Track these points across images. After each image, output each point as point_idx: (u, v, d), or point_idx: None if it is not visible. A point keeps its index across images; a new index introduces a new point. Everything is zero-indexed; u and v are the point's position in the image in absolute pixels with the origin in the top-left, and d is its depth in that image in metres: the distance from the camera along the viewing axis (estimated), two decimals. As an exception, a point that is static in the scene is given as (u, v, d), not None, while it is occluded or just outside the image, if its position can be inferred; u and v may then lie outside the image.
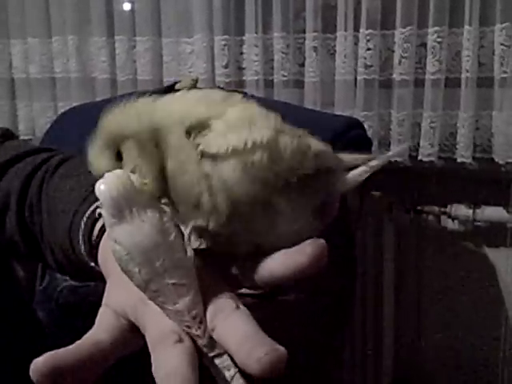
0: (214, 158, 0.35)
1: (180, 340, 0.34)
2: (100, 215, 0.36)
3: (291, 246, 0.35)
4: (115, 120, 0.38)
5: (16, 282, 0.81)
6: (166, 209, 0.37)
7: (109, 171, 0.37)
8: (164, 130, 0.37)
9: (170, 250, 0.35)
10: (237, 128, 0.36)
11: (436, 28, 1.28)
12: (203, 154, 0.35)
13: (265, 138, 0.36)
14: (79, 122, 1.23)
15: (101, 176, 0.37)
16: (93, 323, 0.38)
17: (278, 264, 0.35)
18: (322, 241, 0.34)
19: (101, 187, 0.36)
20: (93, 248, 0.48)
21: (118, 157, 0.39)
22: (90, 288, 0.94)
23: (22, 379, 0.37)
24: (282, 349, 0.31)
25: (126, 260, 0.35)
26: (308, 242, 0.34)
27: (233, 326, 0.33)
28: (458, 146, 1.31)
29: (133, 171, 0.38)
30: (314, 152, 0.37)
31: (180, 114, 0.37)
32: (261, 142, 0.35)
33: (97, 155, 0.39)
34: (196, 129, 0.36)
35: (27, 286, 1.06)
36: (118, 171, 0.37)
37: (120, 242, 0.35)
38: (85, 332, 0.36)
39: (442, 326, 1.50)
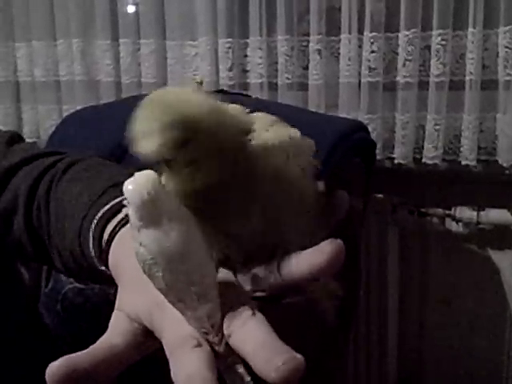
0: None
1: (198, 345, 0.34)
2: (113, 217, 0.36)
3: (300, 249, 0.36)
4: (191, 105, 0.35)
5: (21, 284, 0.81)
6: (193, 216, 0.36)
7: (159, 157, 0.35)
8: (230, 137, 0.36)
9: (194, 259, 0.35)
10: (278, 151, 0.37)
11: (440, 31, 1.28)
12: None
13: (305, 164, 0.38)
14: (84, 125, 1.23)
15: (139, 168, 0.35)
16: (97, 325, 0.38)
17: (298, 264, 0.36)
18: (339, 241, 0.35)
19: (129, 187, 0.34)
20: (103, 252, 0.48)
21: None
22: (94, 290, 0.94)
23: (28, 381, 0.37)
24: (299, 357, 0.31)
25: (150, 264, 0.34)
26: (326, 242, 0.35)
27: (250, 333, 0.33)
28: (462, 149, 1.31)
29: (187, 165, 0.35)
30: None
31: (240, 126, 0.38)
32: (303, 168, 0.38)
33: (153, 134, 0.34)
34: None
35: (32, 289, 1.06)
36: (149, 172, 0.35)
37: (145, 245, 0.34)
38: (89, 333, 0.37)
39: (446, 328, 1.50)
